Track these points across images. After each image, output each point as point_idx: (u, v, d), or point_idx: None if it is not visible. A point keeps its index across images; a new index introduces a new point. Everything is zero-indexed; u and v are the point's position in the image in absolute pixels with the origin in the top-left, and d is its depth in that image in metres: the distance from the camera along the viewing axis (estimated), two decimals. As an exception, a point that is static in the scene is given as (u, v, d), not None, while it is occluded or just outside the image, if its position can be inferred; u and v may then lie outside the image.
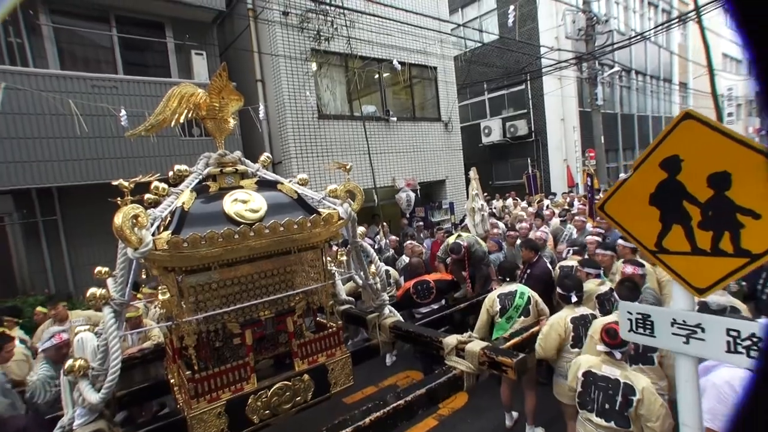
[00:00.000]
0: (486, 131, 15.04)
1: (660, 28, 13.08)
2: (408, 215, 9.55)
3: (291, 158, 8.27)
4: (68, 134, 6.42)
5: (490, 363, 2.52)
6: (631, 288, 3.09)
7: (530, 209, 8.87)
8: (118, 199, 2.07)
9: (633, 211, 1.52)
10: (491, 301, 3.91)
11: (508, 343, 3.06)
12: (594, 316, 3.34)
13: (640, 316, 1.50)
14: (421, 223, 9.15)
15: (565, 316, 3.28)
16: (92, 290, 2.08)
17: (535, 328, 3.38)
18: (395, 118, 9.85)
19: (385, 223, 8.30)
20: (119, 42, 7.51)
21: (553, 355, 3.25)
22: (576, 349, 3.18)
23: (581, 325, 3.24)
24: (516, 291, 3.86)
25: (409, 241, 6.52)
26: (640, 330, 1.49)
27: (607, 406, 2.49)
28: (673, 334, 1.41)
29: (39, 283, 7.01)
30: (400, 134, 10.07)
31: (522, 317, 3.78)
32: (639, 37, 12.92)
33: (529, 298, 3.84)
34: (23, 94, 6.09)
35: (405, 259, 6.15)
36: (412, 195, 9.61)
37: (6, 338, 3.72)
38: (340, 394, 2.79)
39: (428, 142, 10.69)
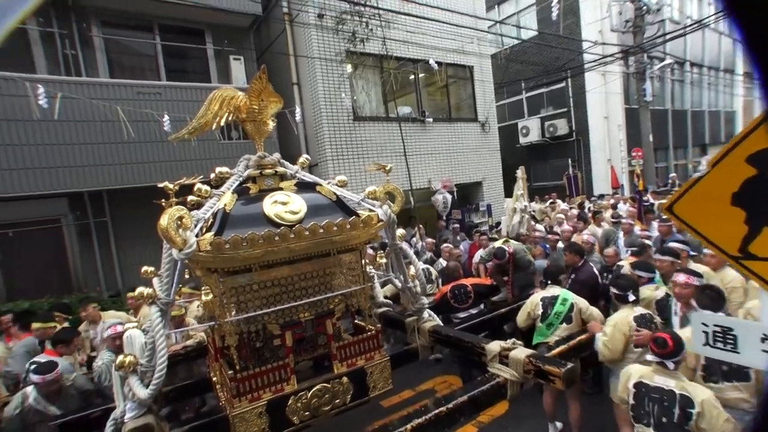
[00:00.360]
0: (524, 131, 14.62)
1: (723, 13, 12.11)
2: (444, 217, 9.40)
3: (327, 160, 8.34)
4: (116, 139, 6.76)
5: (536, 372, 2.39)
6: (713, 297, 2.81)
7: (573, 211, 8.49)
8: (163, 201, 2.12)
9: (709, 213, 1.35)
10: (534, 304, 3.78)
11: (554, 351, 2.91)
12: (652, 317, 3.16)
13: (718, 329, 1.32)
14: (458, 226, 8.99)
15: (626, 315, 3.10)
16: (140, 289, 2.13)
17: (583, 336, 3.19)
18: (431, 119, 9.74)
19: (421, 226, 8.21)
20: (162, 50, 7.87)
21: (619, 356, 3.07)
22: (639, 349, 3.01)
23: (643, 324, 3.06)
24: (558, 296, 3.71)
25: (445, 245, 6.39)
26: (719, 344, 1.31)
27: (664, 419, 2.32)
28: (765, 351, 1.22)
29: (92, 282, 7.43)
30: (436, 135, 9.95)
31: (564, 324, 3.63)
32: (697, 24, 12.05)
33: (572, 305, 3.66)
34: (77, 103, 6.46)
35: (442, 262, 6.04)
36: (449, 197, 9.46)
37: (75, 332, 4.10)
38: (378, 397, 2.75)
39: (465, 143, 10.50)
